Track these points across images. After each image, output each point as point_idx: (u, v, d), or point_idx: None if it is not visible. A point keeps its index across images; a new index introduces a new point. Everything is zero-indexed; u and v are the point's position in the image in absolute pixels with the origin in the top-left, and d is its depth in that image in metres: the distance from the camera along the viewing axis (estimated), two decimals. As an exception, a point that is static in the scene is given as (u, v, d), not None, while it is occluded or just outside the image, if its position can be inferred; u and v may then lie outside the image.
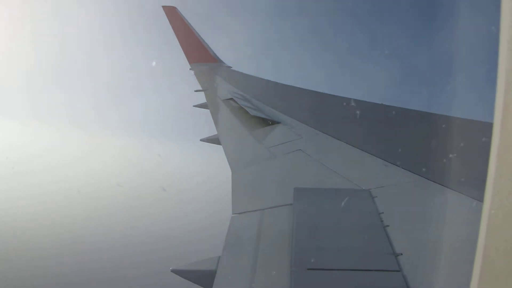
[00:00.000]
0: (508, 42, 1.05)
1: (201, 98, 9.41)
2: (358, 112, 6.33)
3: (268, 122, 6.35)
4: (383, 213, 3.06)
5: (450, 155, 3.45)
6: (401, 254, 2.52)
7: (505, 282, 1.07)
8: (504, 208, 1.12)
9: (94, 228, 11.68)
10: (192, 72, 11.99)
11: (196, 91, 10.09)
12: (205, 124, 7.62)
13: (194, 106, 9.16)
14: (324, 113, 7.14)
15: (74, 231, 11.62)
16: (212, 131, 6.95)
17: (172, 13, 13.92)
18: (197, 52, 13.07)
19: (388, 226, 2.86)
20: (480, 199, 2.97)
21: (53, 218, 12.05)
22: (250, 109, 6.92)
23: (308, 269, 2.51)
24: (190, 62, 12.58)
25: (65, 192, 12.69)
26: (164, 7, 14.12)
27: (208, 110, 8.45)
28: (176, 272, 3.02)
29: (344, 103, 6.94)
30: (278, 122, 6.28)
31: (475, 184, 3.27)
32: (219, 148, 6.05)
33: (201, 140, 6.92)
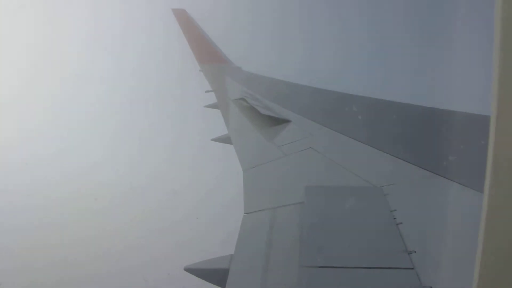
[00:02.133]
0: (503, 37, 1.05)
1: (212, 98, 9.47)
2: (369, 109, 6.29)
3: (279, 121, 6.36)
4: (395, 210, 3.04)
5: (463, 151, 3.41)
6: (415, 251, 2.51)
7: (507, 279, 1.07)
8: (504, 203, 1.12)
9: (105, 230, 11.81)
10: (202, 73, 12.07)
11: (207, 91, 10.15)
12: (216, 123, 7.66)
13: (204, 106, 9.23)
14: (335, 111, 7.12)
15: (85, 232, 11.76)
16: (223, 130, 6.99)
17: (181, 16, 14.04)
18: (207, 53, 13.15)
19: (400, 223, 2.85)
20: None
21: (64, 220, 12.21)
22: (260, 108, 6.93)
23: (320, 266, 2.51)
24: (200, 63, 12.66)
25: (77, 196, 12.85)
26: (173, 9, 14.25)
27: (218, 110, 8.50)
28: (189, 270, 3.05)
29: (355, 101, 6.91)
30: (289, 121, 6.28)
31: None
32: (230, 148, 6.08)
33: (212, 139, 6.96)
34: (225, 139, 6.56)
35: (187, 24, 13.87)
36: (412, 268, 2.37)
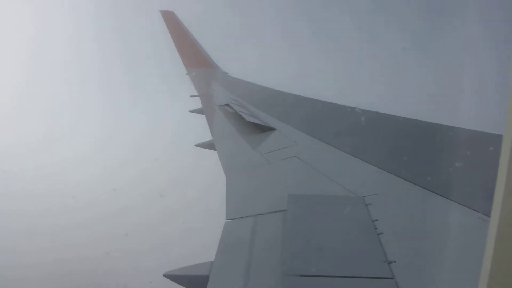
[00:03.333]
0: None
1: (197, 103, 9.43)
2: (353, 119, 6.35)
3: (263, 128, 6.37)
4: (377, 220, 3.06)
5: (445, 164, 3.47)
6: (395, 261, 2.52)
7: None
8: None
9: (87, 233, 11.58)
10: (188, 77, 12.02)
11: (192, 96, 10.11)
12: (201, 129, 7.62)
13: (189, 111, 9.17)
14: (320, 120, 7.16)
15: (66, 236, 11.51)
16: (207, 136, 6.96)
17: (170, 18, 13.98)
18: (194, 57, 13.11)
19: (381, 233, 2.87)
20: (473, 207, 3.00)
21: (46, 223, 11.93)
22: (245, 115, 6.93)
23: (300, 275, 2.50)
24: (186, 67, 12.61)
25: (59, 197, 12.59)
26: (162, 11, 14.18)
27: (203, 116, 8.46)
28: (169, 277, 3.00)
29: (340, 110, 6.97)
30: (273, 129, 6.29)
31: (469, 193, 3.28)
32: (213, 154, 6.04)
33: (196, 145, 6.91)
34: (209, 145, 6.53)
35: (175, 27, 13.81)
36: (392, 278, 2.38)
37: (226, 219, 3.57)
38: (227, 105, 7.97)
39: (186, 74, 12.23)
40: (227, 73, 12.87)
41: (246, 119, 6.71)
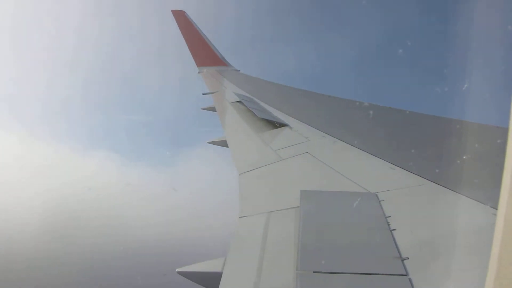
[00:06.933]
0: None
1: (209, 101, 9.49)
2: (365, 115, 6.31)
3: (275, 125, 6.37)
4: (390, 216, 3.04)
5: (457, 159, 3.43)
6: (408, 258, 2.51)
7: None
8: None
9: (102, 227, 11.77)
10: (200, 75, 12.09)
11: (204, 94, 10.17)
12: (213, 126, 7.67)
13: (202, 108, 9.24)
14: (332, 115, 7.13)
15: (82, 230, 11.71)
16: (220, 133, 7.00)
17: (181, 17, 14.06)
18: (205, 55, 13.18)
19: (395, 229, 2.85)
20: (488, 203, 2.96)
21: (61, 216, 12.16)
22: (257, 112, 6.94)
23: (314, 272, 2.51)
24: (198, 65, 12.69)
25: (75, 191, 12.83)
26: (173, 11, 14.27)
27: (216, 113, 8.50)
28: (182, 273, 3.03)
29: (352, 106, 6.93)
30: (285, 125, 6.29)
31: (482, 188, 3.24)
32: (226, 151, 6.08)
33: (209, 142, 6.96)
34: (221, 142, 6.56)
35: (187, 26, 13.89)
36: (405, 275, 2.37)
37: (240, 216, 3.59)
38: (239, 102, 7.99)
39: (198, 73, 12.30)
40: (239, 70, 12.90)
41: (258, 116, 6.72)
